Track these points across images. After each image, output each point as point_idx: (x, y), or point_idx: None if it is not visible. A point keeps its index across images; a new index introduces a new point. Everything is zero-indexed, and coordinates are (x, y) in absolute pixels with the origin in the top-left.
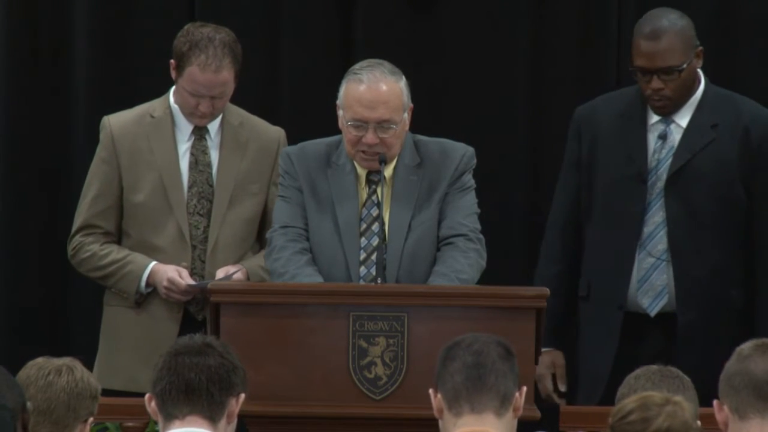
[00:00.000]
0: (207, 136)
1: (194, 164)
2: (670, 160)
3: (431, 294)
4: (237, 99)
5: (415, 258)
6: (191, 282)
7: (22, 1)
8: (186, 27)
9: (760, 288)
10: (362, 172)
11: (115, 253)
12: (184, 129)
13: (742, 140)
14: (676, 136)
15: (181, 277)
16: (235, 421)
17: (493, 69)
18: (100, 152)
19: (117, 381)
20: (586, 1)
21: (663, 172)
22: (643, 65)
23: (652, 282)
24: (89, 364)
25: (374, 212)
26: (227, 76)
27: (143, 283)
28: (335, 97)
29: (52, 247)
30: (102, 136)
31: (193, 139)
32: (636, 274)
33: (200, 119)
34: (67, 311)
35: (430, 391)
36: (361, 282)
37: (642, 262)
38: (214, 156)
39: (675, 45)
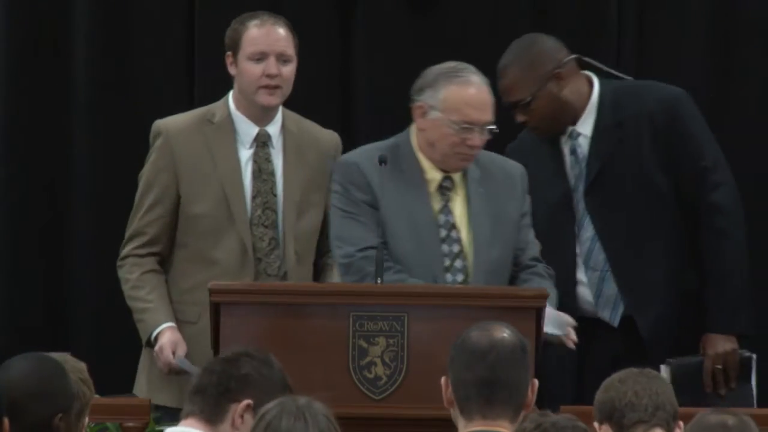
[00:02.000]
0: (269, 143)
1: (257, 173)
2: (584, 174)
3: (431, 294)
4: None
5: (496, 275)
6: (174, 362)
7: (23, 2)
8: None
9: (710, 270)
10: (434, 177)
11: (146, 291)
12: (246, 136)
13: (649, 129)
14: (584, 146)
15: (173, 353)
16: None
17: (492, 69)
18: (157, 160)
19: (169, 397)
20: (584, 3)
21: (582, 187)
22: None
23: (605, 294)
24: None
25: (450, 219)
26: (288, 34)
27: (152, 339)
28: (336, 97)
29: (54, 250)
30: (159, 142)
31: (255, 146)
32: (590, 291)
33: (270, 93)
34: (68, 314)
35: (442, 380)
36: None
37: (590, 279)
38: (278, 164)
39: (516, 80)
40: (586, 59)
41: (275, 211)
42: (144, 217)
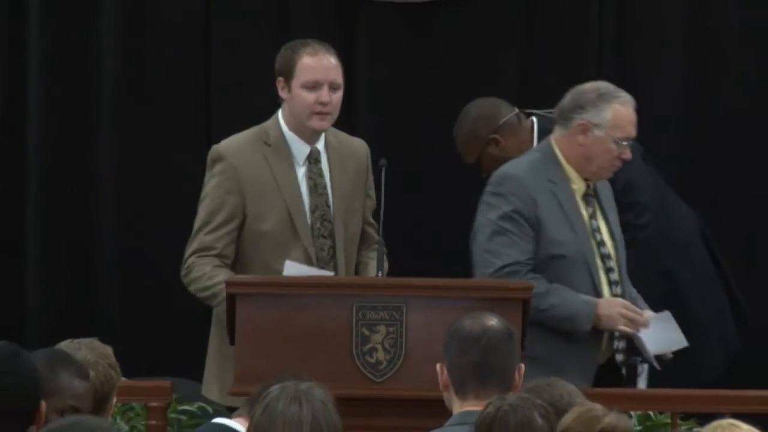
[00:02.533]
0: (320, 159)
1: (313, 188)
2: None
3: (427, 286)
4: (246, 108)
5: (629, 282)
6: None
7: (54, 19)
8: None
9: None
10: (579, 187)
11: (223, 275)
12: (300, 154)
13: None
14: None
15: None
16: None
17: (482, 77)
18: (222, 183)
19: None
20: (568, 25)
21: None
22: None
23: None
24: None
25: (598, 226)
26: (338, 64)
27: None
28: (342, 105)
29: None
30: (221, 166)
31: (308, 163)
32: None
33: (322, 119)
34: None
35: (438, 366)
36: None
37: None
38: (327, 177)
39: (461, 148)
40: (526, 111)
41: (331, 222)
42: (211, 234)
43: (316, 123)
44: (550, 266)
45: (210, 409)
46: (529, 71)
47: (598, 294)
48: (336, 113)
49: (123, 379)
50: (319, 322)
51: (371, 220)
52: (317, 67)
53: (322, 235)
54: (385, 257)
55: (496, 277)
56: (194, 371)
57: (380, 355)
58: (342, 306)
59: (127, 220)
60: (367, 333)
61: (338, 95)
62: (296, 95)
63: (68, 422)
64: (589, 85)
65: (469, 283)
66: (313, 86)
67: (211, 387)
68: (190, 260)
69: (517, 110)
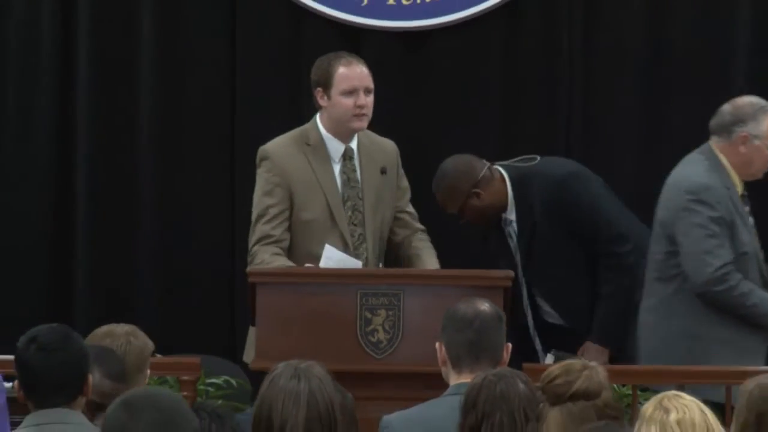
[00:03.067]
0: (353, 156)
1: (347, 182)
2: (518, 251)
3: (422, 275)
4: (265, 121)
5: None
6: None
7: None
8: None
9: (599, 294)
10: (740, 190)
11: (277, 263)
12: (336, 152)
13: (546, 211)
14: (515, 230)
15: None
16: None
17: (471, 93)
18: (271, 178)
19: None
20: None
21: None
22: None
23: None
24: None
25: (752, 223)
26: (368, 71)
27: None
28: None
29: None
30: (269, 164)
31: (343, 160)
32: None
33: (359, 120)
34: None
35: (437, 345)
36: None
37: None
38: (359, 173)
39: (443, 200)
40: (498, 164)
41: (361, 212)
42: (268, 223)
43: (356, 124)
44: (738, 263)
45: (234, 382)
46: (511, 92)
47: (765, 286)
48: (370, 114)
49: (158, 356)
50: (328, 307)
51: (408, 208)
52: (353, 75)
53: (353, 223)
54: (430, 245)
55: (717, 276)
56: (220, 350)
57: (381, 335)
58: (348, 293)
59: (163, 222)
60: (369, 316)
61: (371, 98)
62: (336, 102)
63: (143, 392)
64: (745, 101)
65: (458, 273)
66: (351, 92)
67: (250, 353)
68: (253, 249)
69: (487, 164)
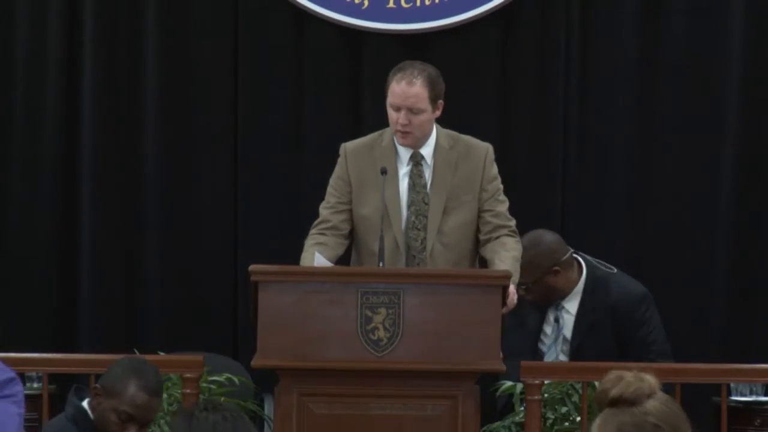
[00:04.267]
0: (423, 162)
1: (412, 186)
2: (568, 343)
3: (421, 275)
4: (267, 127)
5: None
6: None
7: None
8: None
9: None
10: None
11: (305, 254)
12: (405, 155)
13: (611, 317)
14: (567, 320)
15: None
16: None
17: (466, 94)
18: (337, 171)
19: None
20: (539, 58)
21: (557, 349)
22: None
23: None
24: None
25: None
26: (420, 91)
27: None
28: (347, 116)
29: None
30: (340, 159)
31: (411, 164)
32: None
33: (402, 137)
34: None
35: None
36: None
37: None
38: (428, 177)
39: (523, 270)
40: (579, 254)
41: (426, 217)
42: (327, 209)
43: (399, 139)
44: None
45: (236, 380)
46: (508, 94)
47: None
48: (419, 132)
49: (162, 353)
50: (330, 305)
51: (497, 208)
52: (398, 93)
53: (417, 228)
54: (508, 247)
55: None
56: (222, 348)
57: (381, 333)
58: (349, 291)
59: (167, 221)
60: (369, 314)
61: (420, 117)
62: (388, 112)
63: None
64: None
65: (458, 272)
66: (396, 108)
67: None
68: (311, 231)
69: (571, 250)
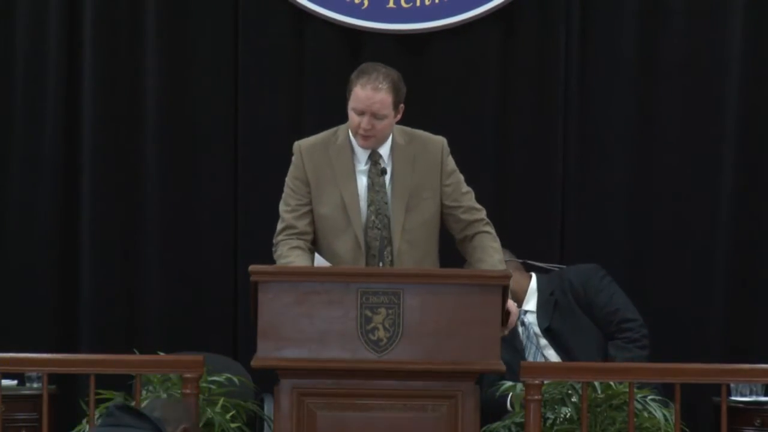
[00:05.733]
0: (381, 161)
1: (371, 186)
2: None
3: (421, 274)
4: (267, 127)
5: None
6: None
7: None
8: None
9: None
10: None
11: (290, 258)
12: (362, 154)
13: (570, 292)
14: (530, 317)
15: None
16: None
17: (467, 95)
18: (293, 171)
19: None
20: (539, 65)
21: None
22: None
23: None
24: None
25: None
26: (385, 97)
27: None
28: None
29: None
30: (294, 158)
31: (369, 163)
32: None
33: (363, 139)
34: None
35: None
36: None
37: None
38: (387, 176)
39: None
40: (529, 262)
41: (387, 216)
42: (290, 213)
43: (360, 141)
44: None
45: (236, 380)
46: (508, 94)
47: None
48: (380, 135)
49: (162, 353)
50: (330, 305)
51: (465, 203)
52: (363, 98)
53: (377, 227)
54: (489, 242)
55: None
56: (222, 348)
57: (381, 333)
58: (349, 291)
59: (167, 221)
60: (369, 314)
61: (383, 123)
62: (349, 114)
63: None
64: None
65: (458, 272)
66: (360, 113)
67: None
68: (277, 239)
69: (520, 261)
